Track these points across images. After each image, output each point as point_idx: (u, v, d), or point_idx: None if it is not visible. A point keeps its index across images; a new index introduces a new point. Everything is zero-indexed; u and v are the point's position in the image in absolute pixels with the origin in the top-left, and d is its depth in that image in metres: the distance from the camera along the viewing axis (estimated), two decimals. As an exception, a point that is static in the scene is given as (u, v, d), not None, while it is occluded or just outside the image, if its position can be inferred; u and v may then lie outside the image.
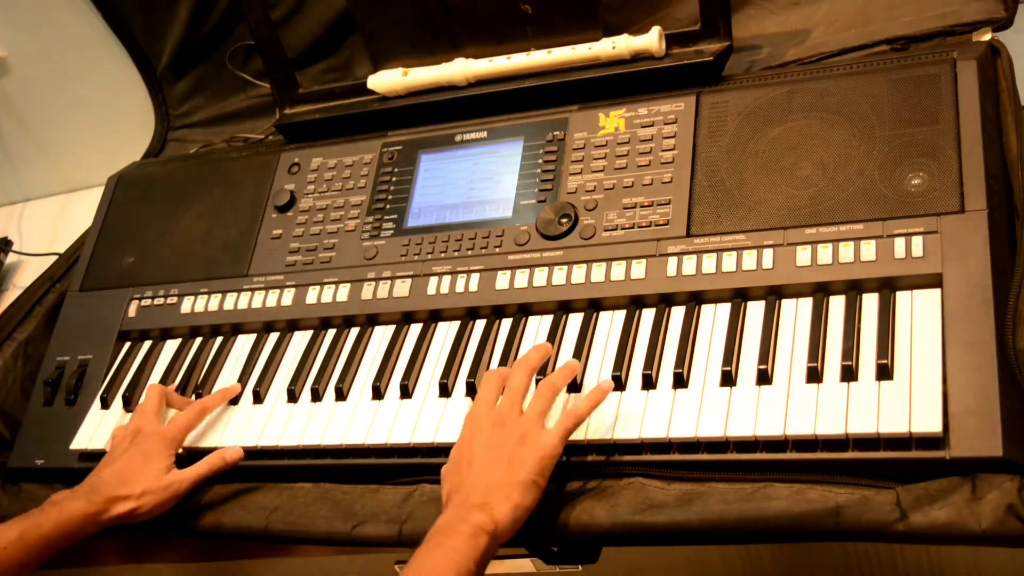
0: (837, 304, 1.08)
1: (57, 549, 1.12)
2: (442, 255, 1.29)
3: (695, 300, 1.15)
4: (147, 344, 1.43)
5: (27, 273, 1.82)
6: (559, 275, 1.21)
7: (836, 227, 1.10)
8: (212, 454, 1.22)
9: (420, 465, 1.16)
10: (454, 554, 0.91)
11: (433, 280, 1.28)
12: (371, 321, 1.31)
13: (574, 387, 1.12)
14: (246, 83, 1.74)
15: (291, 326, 1.35)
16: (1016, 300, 0.98)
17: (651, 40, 1.30)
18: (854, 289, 1.08)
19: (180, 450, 1.24)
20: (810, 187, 1.14)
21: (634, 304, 1.17)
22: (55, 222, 1.98)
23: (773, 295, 1.11)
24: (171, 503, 1.19)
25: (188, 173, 1.56)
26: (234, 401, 1.30)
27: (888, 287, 1.06)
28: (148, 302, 1.44)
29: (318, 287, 1.34)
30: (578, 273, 1.20)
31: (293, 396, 1.26)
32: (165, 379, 1.36)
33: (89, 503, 1.14)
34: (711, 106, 1.25)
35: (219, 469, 1.21)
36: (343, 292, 1.32)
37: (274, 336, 1.35)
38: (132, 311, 1.45)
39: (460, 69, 1.39)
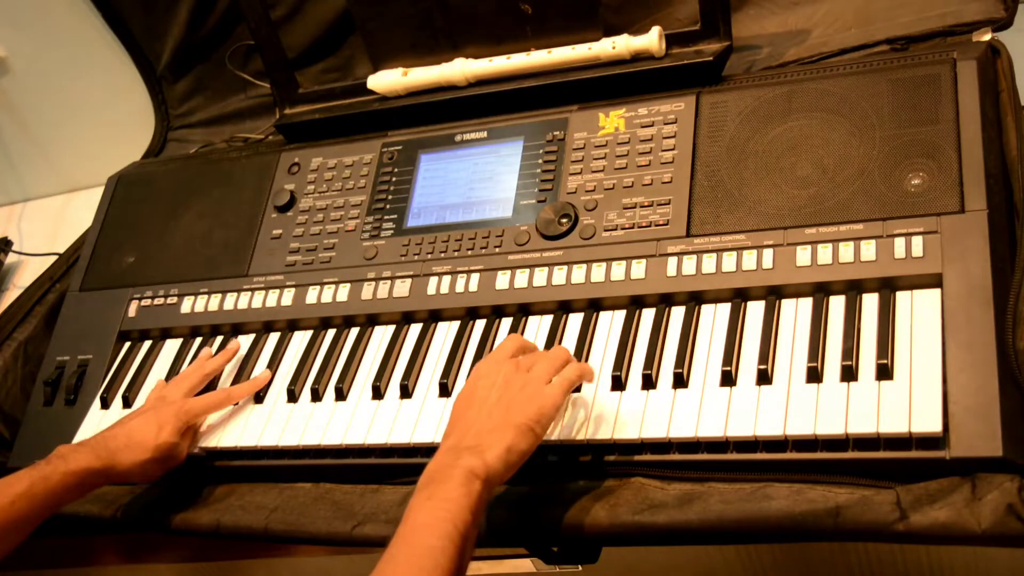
0: (837, 304, 1.08)
1: (63, 503, 1.13)
2: (442, 255, 1.29)
3: (695, 300, 1.15)
4: (147, 344, 1.43)
5: (27, 273, 1.82)
6: (559, 275, 1.21)
7: (836, 227, 1.10)
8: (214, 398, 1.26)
9: (420, 465, 1.14)
10: (449, 505, 0.90)
11: (433, 280, 1.28)
12: (371, 321, 1.31)
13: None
14: (246, 83, 1.74)
15: (291, 326, 1.35)
16: (1016, 300, 0.98)
17: (651, 40, 1.30)
18: (854, 289, 1.08)
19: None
20: (810, 187, 1.14)
21: (634, 304, 1.17)
22: (55, 222, 1.98)
23: (773, 295, 1.11)
24: (168, 469, 1.21)
25: (188, 173, 1.56)
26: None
27: (888, 287, 1.06)
28: (148, 302, 1.44)
29: (318, 287, 1.34)
30: (578, 273, 1.20)
31: (293, 396, 1.26)
32: (166, 380, 1.36)
33: (96, 458, 1.15)
34: (711, 106, 1.25)
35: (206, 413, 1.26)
36: (343, 292, 1.32)
37: (274, 336, 1.35)
38: (132, 311, 1.45)
39: (460, 69, 1.39)
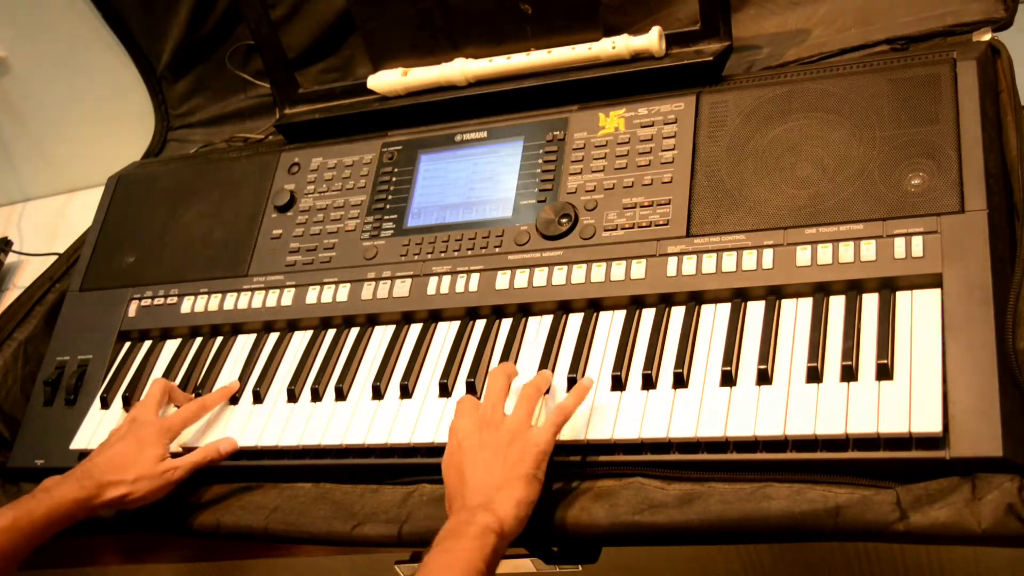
0: (837, 304, 1.08)
1: (49, 535, 1.12)
2: (442, 255, 1.29)
3: (695, 300, 1.15)
4: (147, 344, 1.43)
5: (27, 273, 1.82)
6: (559, 275, 1.21)
7: (836, 227, 1.10)
8: (206, 444, 1.23)
9: (420, 465, 1.16)
10: (463, 554, 0.92)
11: (433, 280, 1.28)
12: (371, 321, 1.31)
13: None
14: (246, 83, 1.74)
15: (291, 326, 1.35)
16: (1016, 300, 0.98)
17: (651, 40, 1.30)
18: (854, 289, 1.08)
19: (178, 448, 1.25)
20: (810, 187, 1.14)
21: (634, 304, 1.17)
22: (55, 222, 1.98)
23: (773, 295, 1.11)
24: (165, 491, 1.19)
25: (188, 173, 1.56)
26: (234, 401, 1.30)
27: (888, 287, 1.06)
28: (148, 302, 1.44)
29: (318, 287, 1.34)
30: (578, 273, 1.20)
31: (293, 396, 1.26)
32: (165, 378, 1.36)
33: (81, 488, 1.14)
34: (711, 106, 1.25)
35: (213, 460, 1.21)
36: (343, 292, 1.32)
37: (274, 336, 1.35)
38: (132, 311, 1.45)
39: (460, 69, 1.39)
